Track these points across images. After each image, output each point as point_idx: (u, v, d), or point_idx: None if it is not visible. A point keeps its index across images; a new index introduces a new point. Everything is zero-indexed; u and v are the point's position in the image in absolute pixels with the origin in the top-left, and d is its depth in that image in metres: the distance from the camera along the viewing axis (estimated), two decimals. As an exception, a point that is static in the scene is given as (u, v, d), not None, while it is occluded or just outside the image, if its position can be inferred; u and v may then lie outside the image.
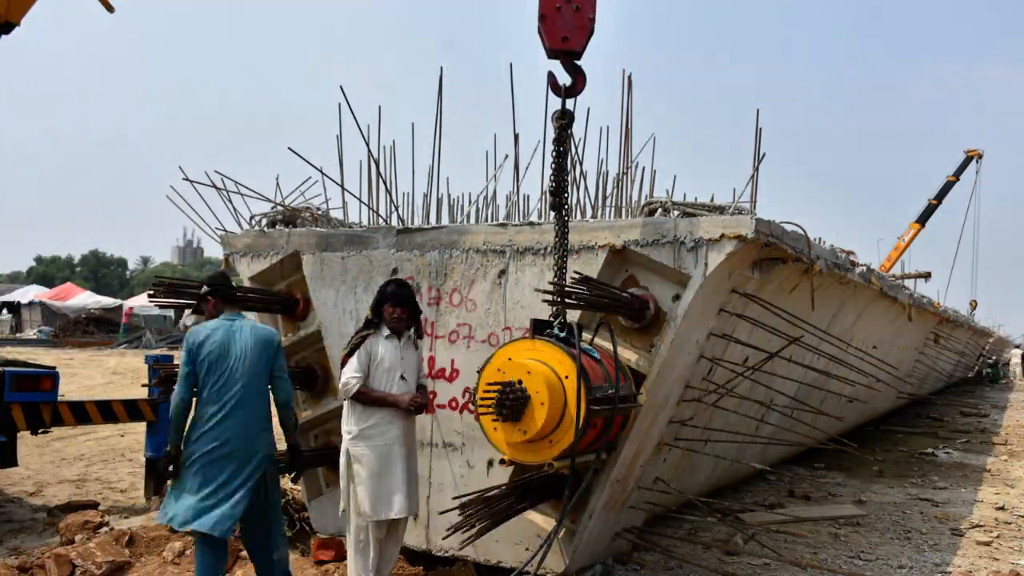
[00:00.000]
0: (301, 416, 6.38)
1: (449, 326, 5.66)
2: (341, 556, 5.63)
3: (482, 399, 4.35)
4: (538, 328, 4.69)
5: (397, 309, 4.81)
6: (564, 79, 4.84)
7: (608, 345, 4.89)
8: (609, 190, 6.31)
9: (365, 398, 4.71)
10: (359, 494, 4.68)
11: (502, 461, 4.59)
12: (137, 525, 6.25)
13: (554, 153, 4.88)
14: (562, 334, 4.61)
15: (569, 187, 4.95)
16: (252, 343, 4.61)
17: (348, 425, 4.79)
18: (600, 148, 6.40)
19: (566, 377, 4.34)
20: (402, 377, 4.81)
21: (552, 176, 4.88)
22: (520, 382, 4.30)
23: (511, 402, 4.25)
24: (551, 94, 5.00)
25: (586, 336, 4.80)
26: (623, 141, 6.12)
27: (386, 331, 4.82)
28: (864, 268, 8.44)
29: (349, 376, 4.71)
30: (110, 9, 6.25)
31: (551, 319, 4.77)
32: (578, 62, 4.79)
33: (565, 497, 4.57)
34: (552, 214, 4.97)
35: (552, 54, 4.77)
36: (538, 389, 4.26)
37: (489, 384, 4.35)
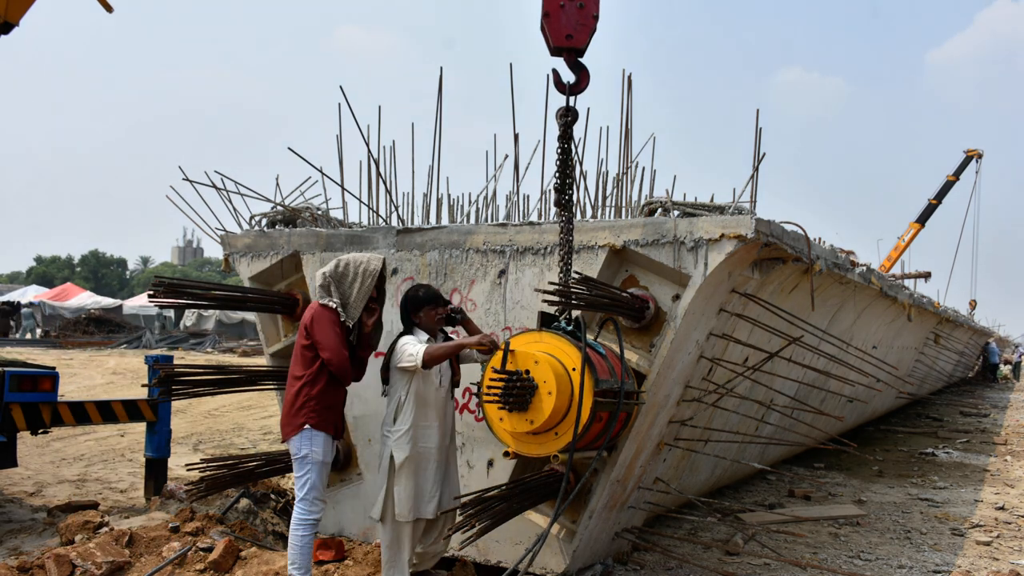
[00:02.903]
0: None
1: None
2: (341, 556, 5.63)
3: (488, 388, 4.34)
4: (545, 322, 4.70)
5: (439, 308, 4.78)
6: (568, 76, 4.85)
7: (611, 344, 4.90)
8: (609, 190, 6.32)
9: (435, 356, 4.49)
10: (398, 495, 4.59)
11: (506, 454, 4.58)
12: (137, 525, 6.24)
13: (558, 150, 4.90)
14: (568, 328, 4.62)
15: (573, 185, 4.96)
16: None
17: (390, 424, 4.67)
18: (600, 148, 6.41)
19: (573, 369, 4.35)
20: (441, 383, 4.74)
21: (556, 173, 4.89)
22: (527, 372, 4.29)
23: (518, 391, 4.24)
24: (552, 93, 5.02)
25: (589, 336, 4.80)
26: (623, 141, 6.12)
27: (424, 335, 4.72)
28: (864, 268, 8.44)
29: (412, 349, 4.51)
30: (109, 9, 6.25)
31: (557, 314, 4.78)
32: (581, 59, 4.80)
33: (563, 490, 4.57)
34: (554, 213, 4.97)
35: (556, 51, 4.78)
36: (545, 379, 4.26)
37: (496, 372, 4.34)
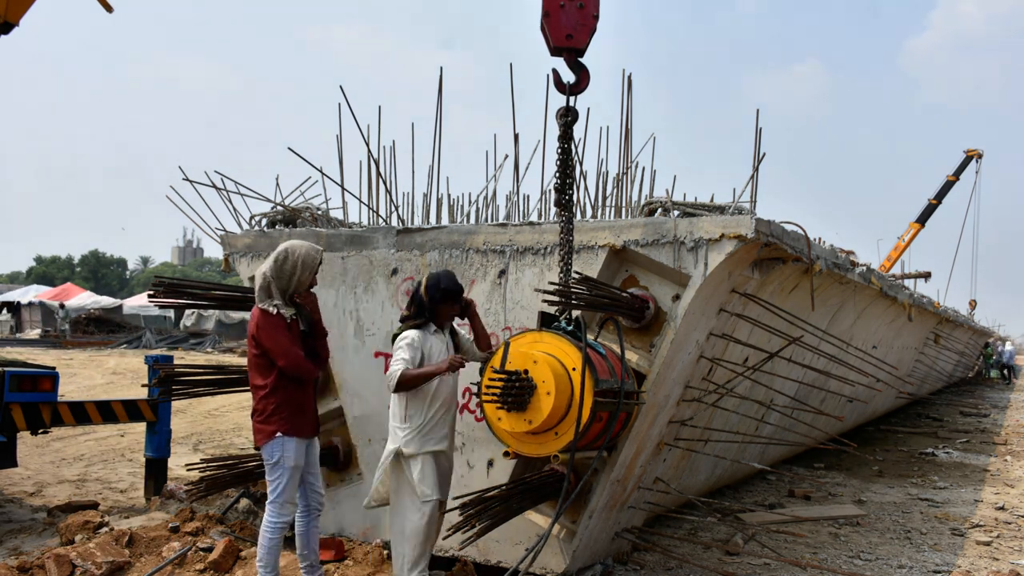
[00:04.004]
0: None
1: (449, 326, 5.65)
2: (341, 556, 5.63)
3: (487, 387, 4.34)
4: (545, 322, 4.70)
5: (456, 306, 4.77)
6: (568, 76, 4.85)
7: (611, 344, 4.90)
8: (609, 190, 6.32)
9: (409, 382, 4.53)
10: (419, 479, 4.62)
11: (506, 454, 4.57)
12: (137, 525, 6.25)
13: (559, 150, 4.90)
14: (569, 328, 4.62)
15: (573, 185, 4.97)
16: None
17: (399, 422, 4.67)
18: (600, 148, 6.41)
19: (573, 369, 4.34)
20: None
21: (556, 173, 4.89)
22: (526, 372, 4.29)
23: (516, 391, 4.24)
24: (552, 93, 5.02)
25: (589, 336, 4.80)
26: (623, 141, 6.12)
27: (433, 327, 4.74)
28: (864, 268, 8.44)
29: (394, 368, 4.54)
30: (108, 9, 6.25)
31: (557, 314, 4.78)
32: (581, 59, 4.81)
33: (564, 490, 4.57)
34: (554, 213, 4.97)
35: (556, 51, 4.78)
36: (544, 379, 4.25)
37: (495, 372, 4.35)
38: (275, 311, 4.61)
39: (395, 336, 4.75)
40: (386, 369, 4.92)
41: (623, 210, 6.16)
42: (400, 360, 4.55)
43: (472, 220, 6.76)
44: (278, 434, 4.58)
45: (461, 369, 4.66)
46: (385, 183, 6.58)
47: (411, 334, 4.65)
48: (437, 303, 4.70)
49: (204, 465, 5.82)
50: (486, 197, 6.81)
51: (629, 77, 5.99)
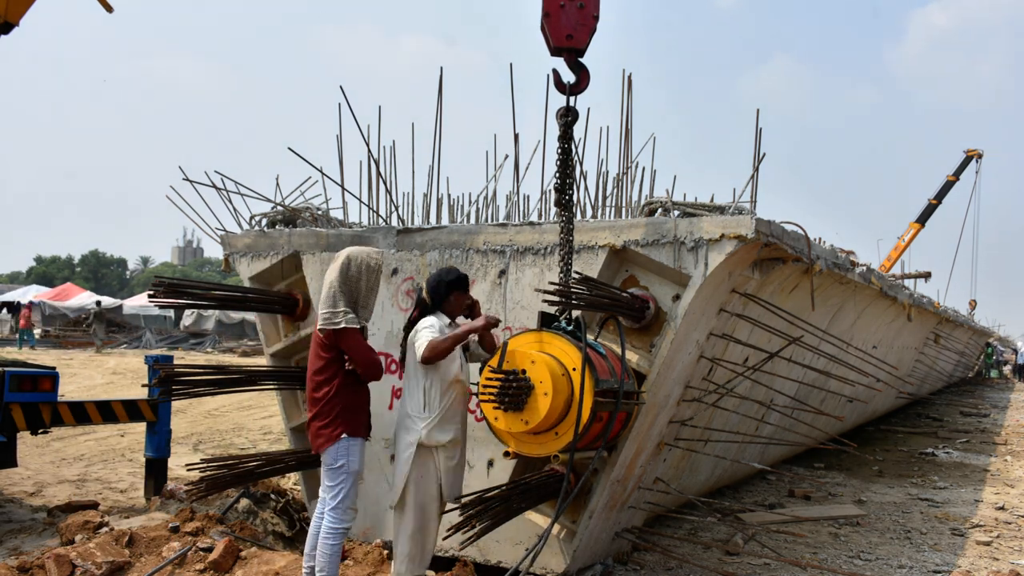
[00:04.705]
0: (301, 416, 6.39)
1: (449, 326, 5.65)
2: (342, 557, 5.62)
3: (484, 387, 4.34)
4: (545, 322, 4.70)
5: (467, 293, 4.77)
6: (568, 76, 4.85)
7: (611, 344, 4.90)
8: (609, 190, 6.31)
9: (439, 350, 4.41)
10: (422, 484, 4.57)
11: (506, 454, 4.57)
12: (137, 525, 6.24)
13: (559, 150, 4.90)
14: (569, 328, 4.62)
15: (573, 185, 4.96)
16: None
17: (419, 411, 4.58)
18: (600, 148, 6.41)
19: (573, 369, 4.34)
20: (462, 366, 4.74)
21: (556, 173, 4.89)
22: (523, 372, 4.29)
23: (513, 391, 4.24)
24: (552, 93, 5.02)
25: (590, 336, 4.80)
26: (623, 141, 6.12)
27: (445, 319, 4.71)
28: (864, 268, 8.44)
29: (424, 341, 4.41)
30: (109, 9, 6.24)
31: (557, 314, 4.79)
32: (581, 59, 4.81)
33: (564, 490, 4.57)
34: (554, 213, 4.97)
35: (556, 51, 4.78)
36: (542, 379, 4.24)
37: (493, 372, 4.34)
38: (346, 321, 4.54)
39: (406, 332, 4.73)
40: (387, 369, 4.91)
41: (623, 210, 6.16)
42: (426, 337, 4.45)
43: (472, 220, 6.76)
44: (343, 436, 4.52)
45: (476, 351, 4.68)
46: (385, 183, 6.58)
47: (429, 318, 4.64)
48: (445, 296, 4.71)
49: (204, 465, 5.82)
50: (486, 197, 6.81)
51: (629, 77, 5.99)
